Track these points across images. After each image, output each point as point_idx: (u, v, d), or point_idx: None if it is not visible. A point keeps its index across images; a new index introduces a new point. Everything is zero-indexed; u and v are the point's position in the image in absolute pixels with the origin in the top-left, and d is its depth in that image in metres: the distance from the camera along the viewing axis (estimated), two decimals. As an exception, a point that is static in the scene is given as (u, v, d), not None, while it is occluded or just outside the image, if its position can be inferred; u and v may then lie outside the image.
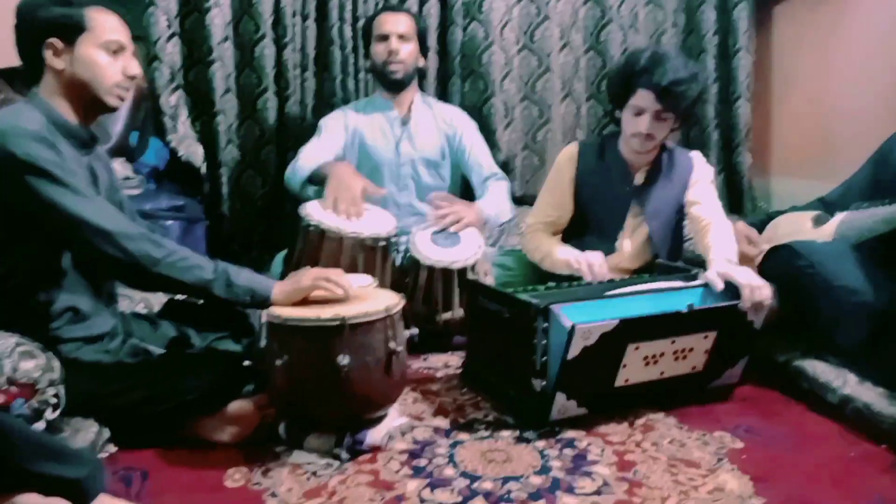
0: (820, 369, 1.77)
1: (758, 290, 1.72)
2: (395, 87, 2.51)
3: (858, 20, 2.77)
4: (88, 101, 1.53)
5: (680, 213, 2.22)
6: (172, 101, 2.65)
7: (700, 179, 2.17)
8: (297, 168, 2.35)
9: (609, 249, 2.15)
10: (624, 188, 2.17)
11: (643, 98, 2.01)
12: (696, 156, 2.23)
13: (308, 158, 2.36)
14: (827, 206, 2.13)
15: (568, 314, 1.57)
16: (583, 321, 1.54)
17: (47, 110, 1.49)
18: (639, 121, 2.03)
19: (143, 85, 2.67)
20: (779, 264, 1.90)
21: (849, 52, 2.82)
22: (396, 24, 2.46)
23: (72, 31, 1.48)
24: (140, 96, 2.67)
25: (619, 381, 1.67)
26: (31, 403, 1.29)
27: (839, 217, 2.00)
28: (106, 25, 1.51)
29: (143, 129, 2.72)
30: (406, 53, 2.47)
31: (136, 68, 1.56)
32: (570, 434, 1.61)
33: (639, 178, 2.18)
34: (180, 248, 1.53)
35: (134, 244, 1.45)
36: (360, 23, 2.82)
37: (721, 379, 1.82)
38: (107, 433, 1.48)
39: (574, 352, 1.55)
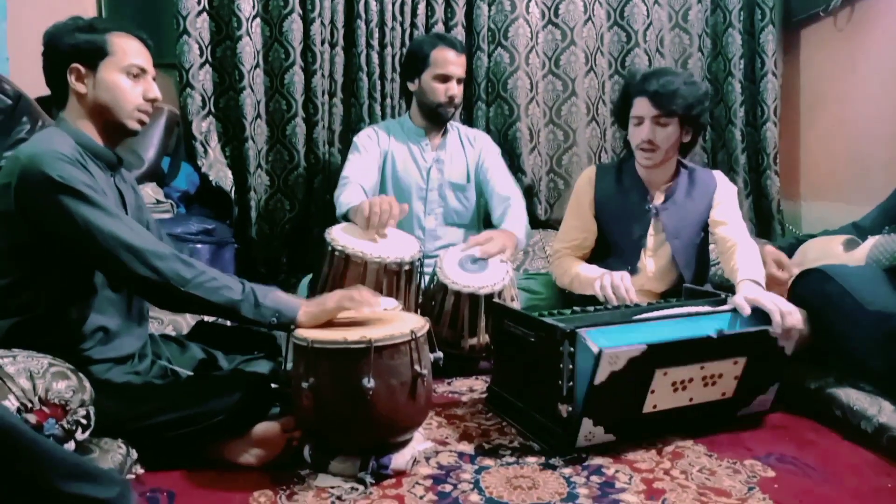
0: (854, 397, 1.73)
1: (788, 315, 1.69)
2: (441, 122, 2.53)
3: (887, 42, 2.74)
4: (110, 125, 1.57)
5: (705, 233, 2.21)
6: (204, 127, 2.71)
7: (724, 199, 2.16)
8: (340, 201, 2.32)
9: (632, 270, 2.15)
10: (643, 208, 2.17)
11: (640, 106, 2.07)
12: (718, 175, 2.22)
13: (352, 190, 2.33)
14: (860, 231, 2.10)
15: (594, 338, 1.56)
16: (610, 346, 1.53)
17: (75, 134, 1.53)
18: (640, 130, 2.08)
19: (175, 111, 2.73)
20: (809, 288, 1.87)
21: (877, 74, 2.79)
22: (460, 67, 2.45)
23: (94, 56, 1.53)
24: (172, 123, 2.73)
25: (648, 408, 1.65)
26: (63, 424, 1.31)
27: (871, 241, 1.96)
28: (127, 50, 1.56)
29: (175, 154, 2.78)
30: (459, 96, 2.48)
31: (156, 91, 1.59)
32: (597, 461, 1.59)
33: (658, 198, 2.18)
34: (209, 269, 1.55)
35: (165, 264, 1.47)
36: (387, 49, 2.87)
37: (751, 406, 1.79)
38: (134, 454, 1.49)
39: (601, 377, 1.54)
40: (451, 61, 2.44)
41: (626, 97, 2.14)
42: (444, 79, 2.44)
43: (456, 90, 2.46)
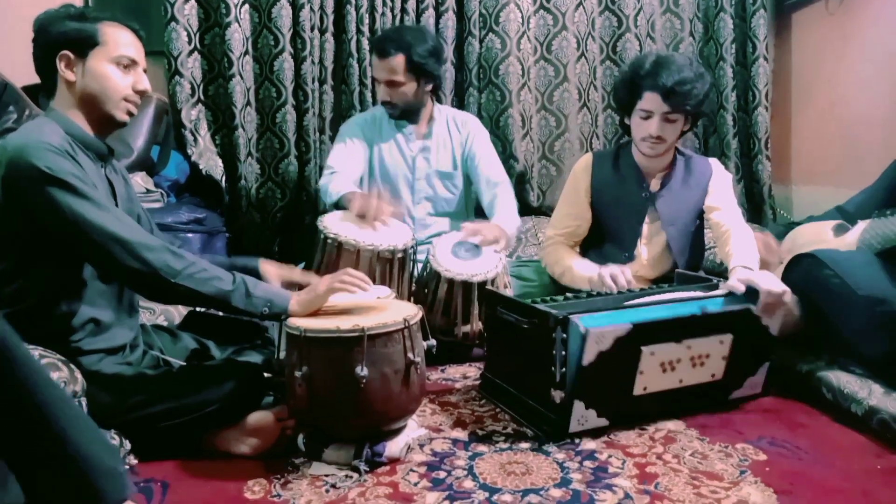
0: (844, 380, 1.74)
1: (775, 293, 1.70)
2: (398, 118, 2.51)
3: (877, 26, 2.74)
4: (98, 115, 1.55)
5: (700, 221, 2.21)
6: (193, 115, 2.69)
7: (719, 186, 2.16)
8: (329, 190, 2.32)
9: (627, 258, 2.15)
10: (639, 195, 2.17)
11: (650, 101, 2.02)
12: (714, 162, 2.23)
13: (340, 179, 2.34)
14: (845, 215, 2.10)
15: (586, 324, 1.56)
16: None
17: (65, 123, 1.51)
18: (648, 124, 2.05)
19: (164, 99, 2.71)
20: (801, 273, 1.88)
21: (868, 58, 2.79)
22: (383, 70, 2.40)
23: (84, 45, 1.51)
24: (161, 111, 2.71)
25: (638, 390, 1.66)
26: (55, 415, 1.30)
27: (862, 225, 1.97)
28: (118, 40, 1.53)
29: (165, 143, 2.76)
30: (398, 97, 2.42)
31: (145, 83, 1.57)
32: (590, 446, 1.59)
33: (654, 185, 2.18)
34: (199, 259, 1.54)
35: (154, 255, 1.46)
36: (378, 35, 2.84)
37: (742, 389, 1.80)
38: (128, 445, 1.49)
39: (589, 357, 1.54)
40: (375, 67, 2.43)
41: (634, 88, 2.06)
42: (376, 81, 2.48)
43: (383, 94, 2.42)
